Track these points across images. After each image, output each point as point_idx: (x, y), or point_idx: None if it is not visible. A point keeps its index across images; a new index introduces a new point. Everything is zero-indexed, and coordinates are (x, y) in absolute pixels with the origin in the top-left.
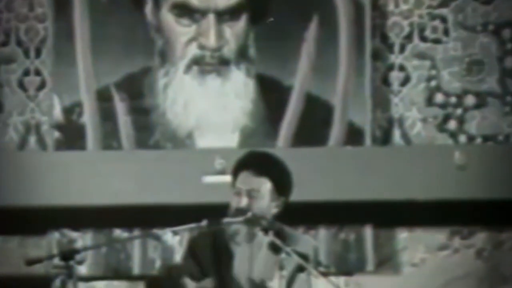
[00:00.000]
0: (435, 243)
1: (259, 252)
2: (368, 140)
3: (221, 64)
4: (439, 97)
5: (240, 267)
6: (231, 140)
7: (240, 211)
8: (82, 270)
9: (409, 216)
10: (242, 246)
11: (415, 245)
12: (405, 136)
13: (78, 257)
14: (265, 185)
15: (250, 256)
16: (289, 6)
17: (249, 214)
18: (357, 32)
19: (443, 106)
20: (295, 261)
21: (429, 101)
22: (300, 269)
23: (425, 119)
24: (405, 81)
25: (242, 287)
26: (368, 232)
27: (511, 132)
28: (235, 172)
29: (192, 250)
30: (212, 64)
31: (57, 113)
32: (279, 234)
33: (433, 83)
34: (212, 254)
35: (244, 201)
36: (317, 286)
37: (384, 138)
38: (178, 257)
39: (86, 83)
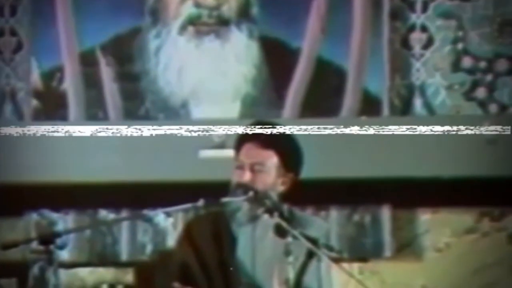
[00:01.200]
0: (462, 226)
1: (265, 235)
2: (385, 110)
3: (220, 24)
4: (466, 62)
5: (245, 252)
6: (231, 110)
7: (242, 187)
8: (64, 255)
9: (432, 196)
10: (245, 228)
11: (439, 228)
12: (427, 105)
13: (59, 241)
14: (271, 159)
15: (255, 239)
16: None
17: (250, 193)
18: None
19: (471, 71)
20: (304, 246)
21: (455, 66)
22: (310, 255)
23: (451, 87)
24: (428, 43)
25: (247, 273)
26: (385, 213)
27: None
28: (239, 144)
29: (189, 235)
30: (209, 24)
31: (35, 78)
32: (284, 215)
33: (459, 45)
34: (212, 238)
35: (246, 176)
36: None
37: (404, 108)
38: (171, 241)
39: (67, 45)
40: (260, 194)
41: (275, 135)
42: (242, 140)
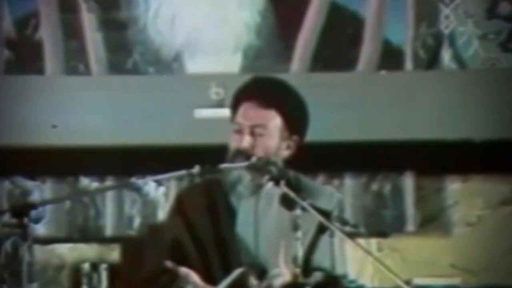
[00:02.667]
0: (496, 196)
1: (269, 207)
2: (409, 63)
3: None
4: (503, 7)
5: (246, 226)
6: (231, 63)
7: (241, 153)
8: (40, 230)
9: (462, 162)
10: (246, 200)
11: (470, 199)
12: (457, 57)
13: (34, 213)
14: (274, 120)
15: (258, 212)
16: None
17: (253, 159)
18: None
19: (508, 18)
20: (315, 219)
21: (490, 13)
22: (321, 229)
23: (485, 36)
24: None
25: (248, 251)
26: (408, 182)
27: None
28: (236, 104)
29: (180, 207)
30: None
31: (8, 26)
32: (292, 184)
33: None
34: (207, 211)
35: (246, 140)
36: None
37: (430, 61)
38: (162, 214)
39: None
40: (263, 160)
41: (277, 92)
42: (239, 99)
